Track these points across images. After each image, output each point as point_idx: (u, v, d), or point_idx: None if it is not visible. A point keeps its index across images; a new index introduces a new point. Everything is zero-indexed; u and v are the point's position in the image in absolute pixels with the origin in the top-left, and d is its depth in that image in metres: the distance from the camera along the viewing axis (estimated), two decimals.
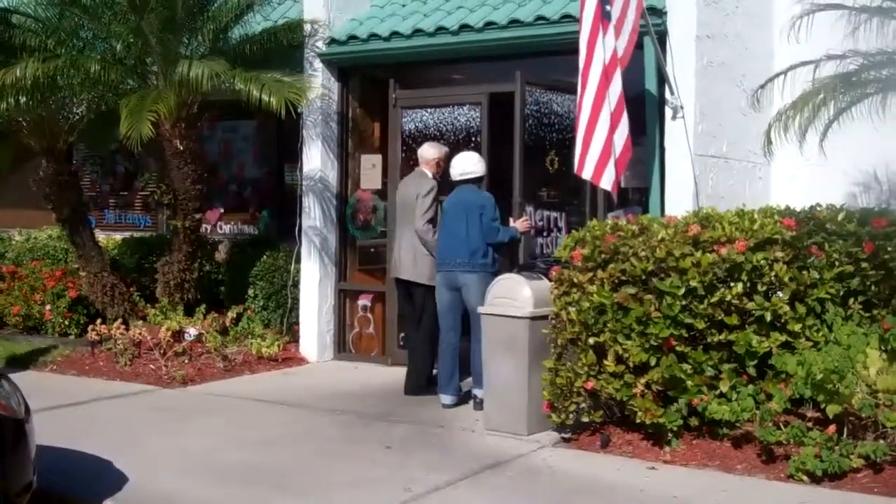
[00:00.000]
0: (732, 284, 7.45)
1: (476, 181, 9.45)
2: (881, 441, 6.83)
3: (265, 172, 14.25)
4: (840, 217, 7.75)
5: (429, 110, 11.28)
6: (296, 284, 12.03)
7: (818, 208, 8.04)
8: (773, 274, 7.45)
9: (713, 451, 7.50)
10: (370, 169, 11.99)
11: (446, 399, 9.38)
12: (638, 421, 7.67)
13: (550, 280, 8.25)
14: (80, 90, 11.60)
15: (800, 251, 7.59)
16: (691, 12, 9.53)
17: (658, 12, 9.60)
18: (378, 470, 7.44)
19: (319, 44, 11.68)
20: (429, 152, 10.01)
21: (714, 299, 7.42)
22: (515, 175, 9.86)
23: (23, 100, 11.08)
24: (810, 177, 9.82)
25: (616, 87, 8.71)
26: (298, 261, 11.99)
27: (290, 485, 7.14)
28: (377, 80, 11.93)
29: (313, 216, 11.85)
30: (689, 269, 7.44)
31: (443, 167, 9.87)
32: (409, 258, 9.84)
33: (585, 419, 8.02)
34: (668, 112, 9.57)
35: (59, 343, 12.34)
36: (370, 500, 6.88)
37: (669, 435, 7.61)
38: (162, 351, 11.02)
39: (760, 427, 7.12)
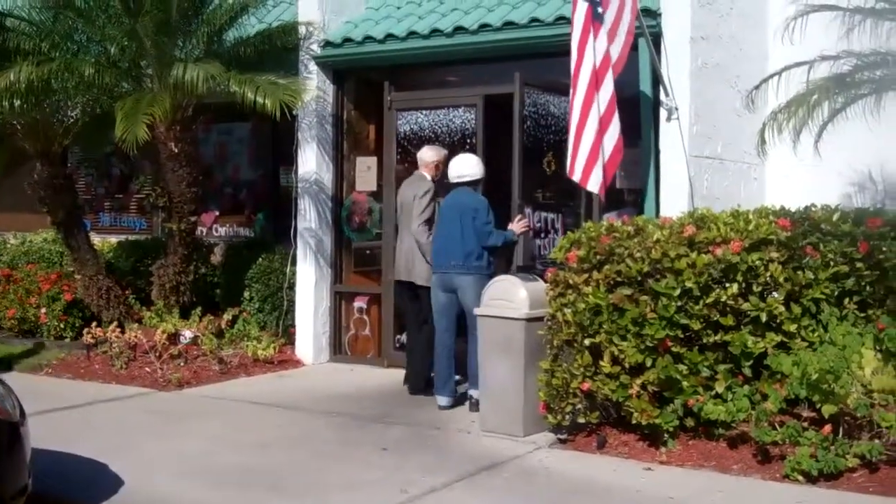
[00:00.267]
0: (728, 285, 7.46)
1: (472, 184, 9.46)
2: (876, 441, 6.83)
3: (260, 175, 14.25)
4: (835, 217, 7.76)
5: (424, 112, 11.29)
6: (291, 287, 12.03)
7: (813, 209, 8.05)
8: (768, 274, 7.46)
9: (709, 451, 7.51)
10: (365, 171, 11.99)
11: (442, 401, 9.39)
12: (634, 422, 7.67)
13: (546, 281, 8.26)
14: (75, 93, 11.58)
15: (795, 251, 7.60)
16: (686, 14, 9.54)
17: (652, 14, 9.61)
18: (374, 472, 7.44)
19: (314, 46, 11.68)
20: (428, 155, 10.03)
21: (709, 300, 7.43)
22: (514, 176, 9.87)
23: (17, 103, 11.06)
24: (805, 177, 9.83)
25: (607, 89, 8.73)
26: (294, 263, 11.99)
27: (286, 487, 7.14)
28: (372, 82, 11.94)
29: (309, 218, 11.85)
30: (685, 269, 7.44)
31: (442, 170, 9.89)
32: (409, 260, 9.87)
33: (582, 420, 8.02)
34: (663, 113, 9.57)
35: (55, 346, 12.33)
36: (366, 503, 6.88)
37: (665, 436, 7.61)
38: (157, 354, 11.01)
39: (756, 427, 7.12)
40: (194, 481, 7.27)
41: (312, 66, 11.73)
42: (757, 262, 7.46)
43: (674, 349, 7.51)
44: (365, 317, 11.93)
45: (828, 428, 6.91)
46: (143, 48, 11.27)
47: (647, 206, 9.65)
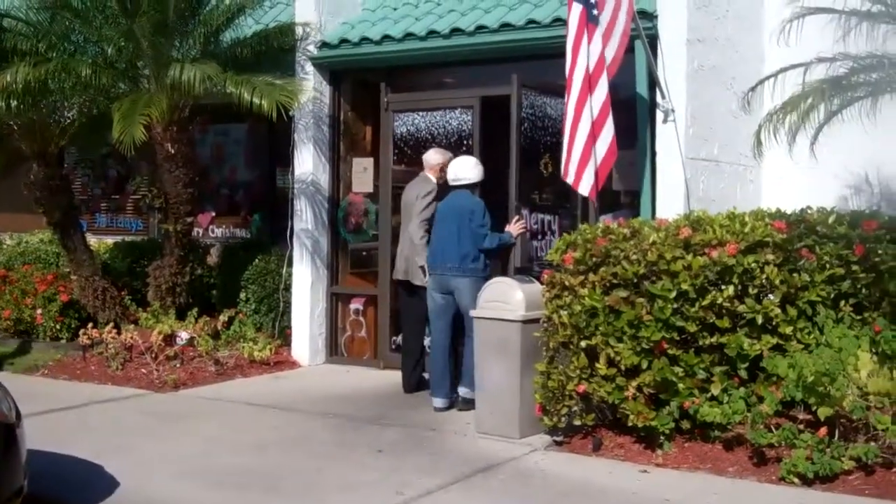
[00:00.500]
0: (724, 287, 7.47)
1: (470, 187, 9.47)
2: (872, 443, 6.84)
3: (257, 176, 14.25)
4: (831, 220, 7.78)
5: (420, 114, 11.29)
6: (288, 288, 12.03)
7: (809, 211, 8.06)
8: (764, 277, 7.47)
9: (705, 453, 7.52)
10: (362, 172, 11.99)
11: (438, 402, 9.39)
12: (630, 424, 7.68)
13: (542, 283, 8.26)
14: (72, 94, 11.57)
15: (791, 254, 7.61)
16: (682, 16, 9.54)
17: (649, 16, 9.61)
18: (370, 474, 7.44)
19: (311, 47, 11.68)
20: (433, 157, 10.04)
21: (705, 302, 7.44)
22: (511, 178, 9.86)
23: (14, 104, 11.06)
24: (801, 180, 9.83)
25: (601, 92, 8.72)
26: (290, 264, 11.98)
27: (282, 489, 7.14)
28: (369, 83, 11.94)
29: (305, 220, 11.85)
30: (681, 272, 7.45)
31: (447, 172, 9.90)
32: (408, 260, 9.89)
33: (577, 422, 8.02)
34: (659, 115, 9.57)
35: (51, 347, 12.33)
36: None
37: (661, 438, 7.62)
38: (153, 355, 11.01)
39: (752, 429, 7.13)
40: (191, 482, 7.26)
41: (309, 68, 11.73)
42: (753, 265, 7.47)
43: (670, 351, 7.52)
44: (361, 318, 11.93)
45: (823, 430, 6.92)
46: (140, 49, 11.27)
47: (644, 209, 9.65)
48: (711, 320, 7.47)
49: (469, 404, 9.09)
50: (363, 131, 12.34)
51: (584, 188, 8.85)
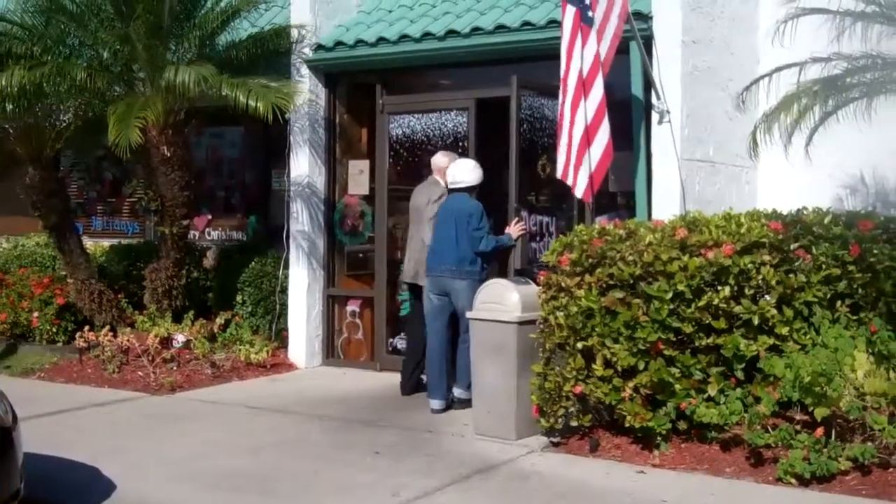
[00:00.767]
0: (720, 288, 7.47)
1: (468, 190, 9.48)
2: (869, 443, 6.84)
3: (253, 178, 14.23)
4: (826, 220, 7.77)
5: (416, 116, 11.31)
6: (284, 290, 12.02)
7: (805, 211, 8.05)
8: (760, 277, 7.47)
9: (702, 454, 7.52)
10: (358, 174, 11.99)
11: (435, 404, 9.40)
12: (627, 425, 7.68)
13: (538, 284, 8.26)
14: (67, 97, 11.59)
15: (787, 254, 7.61)
16: (677, 17, 9.54)
17: (644, 17, 9.61)
18: (367, 475, 7.44)
19: (306, 50, 11.69)
20: (441, 161, 10.02)
21: (701, 303, 7.44)
22: (511, 180, 9.87)
23: (9, 107, 11.07)
24: (797, 180, 9.83)
25: (597, 93, 8.73)
26: (286, 267, 11.98)
27: (278, 491, 7.14)
28: (364, 85, 11.94)
29: (301, 222, 11.85)
30: (677, 273, 7.45)
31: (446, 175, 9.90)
32: (417, 263, 9.88)
33: (574, 423, 8.02)
34: (655, 116, 9.57)
35: (47, 350, 12.33)
36: None
37: (658, 439, 7.62)
38: (150, 358, 11.01)
39: (749, 430, 7.13)
40: (187, 485, 7.26)
41: (304, 70, 11.73)
42: (749, 265, 7.47)
43: (666, 352, 7.52)
44: (357, 320, 11.93)
45: (820, 431, 6.93)
46: (136, 52, 11.27)
47: (639, 210, 9.65)
48: (708, 321, 7.47)
49: (464, 404, 9.13)
50: (359, 133, 12.34)
51: (580, 190, 8.87)
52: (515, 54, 10.48)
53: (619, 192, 10.57)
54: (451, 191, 9.55)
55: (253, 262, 12.54)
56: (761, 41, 10.19)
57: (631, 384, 7.60)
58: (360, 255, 12.16)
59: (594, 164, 8.79)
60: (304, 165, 11.82)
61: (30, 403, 8.69)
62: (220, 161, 14.44)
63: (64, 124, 12.32)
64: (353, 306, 11.97)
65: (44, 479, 6.92)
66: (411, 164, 11.58)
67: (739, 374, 7.50)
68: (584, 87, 8.69)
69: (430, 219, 9.78)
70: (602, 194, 10.11)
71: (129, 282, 13.04)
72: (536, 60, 10.39)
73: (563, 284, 7.93)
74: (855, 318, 7.59)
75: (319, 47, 11.67)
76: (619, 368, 7.63)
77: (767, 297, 7.50)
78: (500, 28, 10.47)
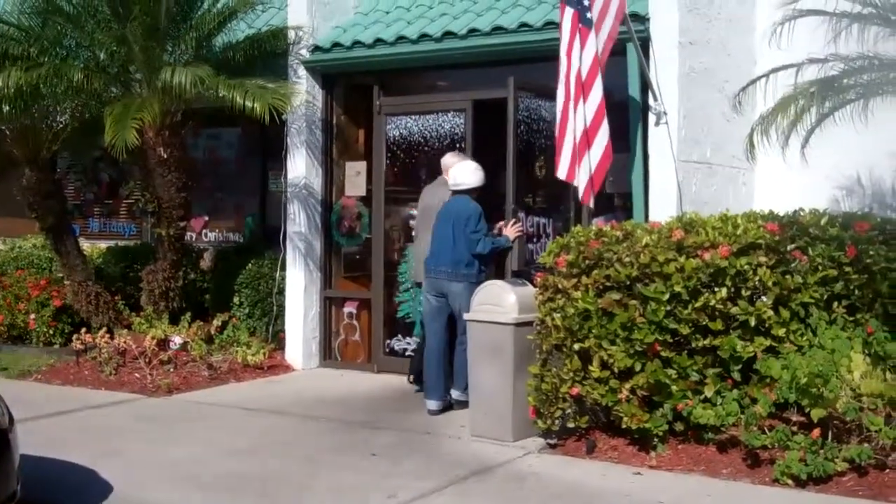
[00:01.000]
0: (716, 289, 7.47)
1: (469, 191, 9.48)
2: (865, 444, 6.84)
3: (249, 180, 14.21)
4: (823, 221, 7.77)
5: (413, 117, 11.32)
6: (281, 292, 12.02)
7: (801, 213, 8.05)
8: (756, 279, 7.48)
9: (698, 455, 7.52)
10: (355, 176, 11.99)
11: (432, 405, 9.40)
12: (623, 426, 7.68)
13: (535, 286, 8.27)
14: (64, 99, 11.59)
15: (783, 256, 7.61)
16: (674, 18, 9.55)
17: (640, 19, 9.61)
18: (363, 477, 7.44)
19: (303, 51, 11.69)
20: (451, 161, 10.01)
21: (698, 304, 7.44)
22: (508, 181, 9.87)
23: (6, 109, 11.07)
24: (793, 181, 9.83)
25: (596, 95, 8.73)
26: (283, 268, 11.98)
27: (275, 492, 7.14)
28: (361, 87, 11.94)
29: (298, 223, 11.85)
30: (673, 274, 7.45)
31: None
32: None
33: (571, 425, 8.03)
34: (652, 118, 9.58)
35: (44, 352, 12.32)
36: None
37: (655, 440, 7.62)
38: (147, 359, 11.00)
39: (745, 431, 7.13)
40: (184, 487, 7.26)
41: (302, 71, 11.73)
42: (745, 267, 7.47)
43: (663, 353, 7.52)
44: (355, 322, 11.93)
45: (817, 432, 6.93)
46: (132, 53, 11.27)
47: (636, 211, 9.65)
48: (704, 322, 7.47)
49: (462, 406, 9.14)
50: (356, 135, 12.35)
51: (580, 191, 8.88)
52: (513, 56, 10.48)
53: (616, 193, 10.57)
54: (452, 192, 9.56)
55: (250, 264, 12.54)
56: (758, 42, 10.20)
57: (628, 385, 7.61)
58: (357, 256, 12.17)
59: (594, 166, 8.79)
60: (300, 167, 11.82)
61: (26, 405, 8.68)
62: (216, 162, 14.44)
63: (61, 126, 12.33)
64: (350, 308, 11.97)
65: (41, 481, 6.92)
66: (408, 165, 11.59)
67: (736, 376, 7.50)
68: (583, 88, 8.69)
69: None
70: (599, 196, 10.10)
71: (125, 283, 13.03)
72: (534, 62, 10.40)
73: (559, 286, 7.93)
74: (851, 319, 7.58)
75: (316, 48, 11.67)
76: (616, 370, 7.63)
77: (764, 299, 7.51)
78: (497, 29, 10.48)
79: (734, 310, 7.46)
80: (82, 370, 11.38)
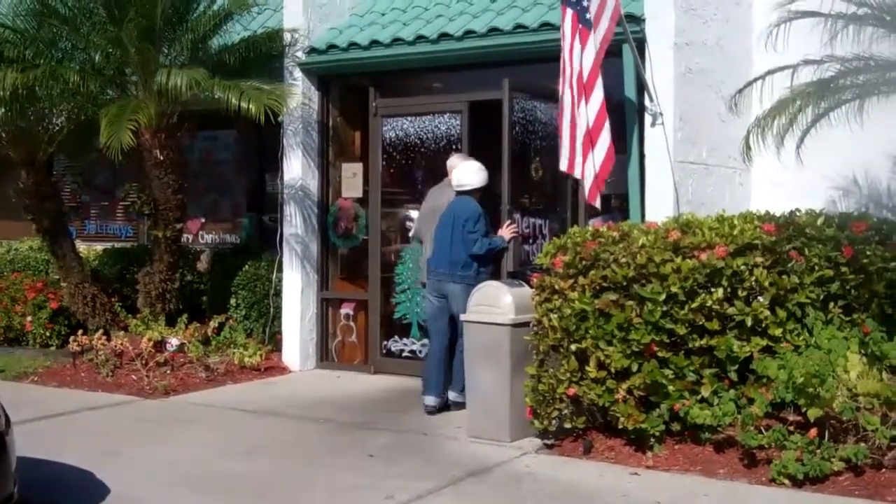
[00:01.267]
0: (713, 290, 7.47)
1: (472, 192, 9.49)
2: (862, 444, 6.85)
3: (246, 182, 14.24)
4: (819, 222, 7.78)
5: (409, 119, 11.32)
6: (278, 293, 12.02)
7: (798, 213, 8.06)
8: (753, 279, 7.48)
9: (695, 455, 7.53)
10: (351, 177, 11.99)
11: (429, 400, 9.44)
12: (620, 426, 7.68)
13: (532, 287, 8.27)
14: (60, 101, 11.58)
15: (780, 256, 7.61)
16: (670, 19, 9.55)
17: (636, 19, 9.62)
18: (361, 478, 7.43)
19: (299, 53, 11.69)
20: (455, 162, 10.00)
21: (695, 305, 7.45)
22: (503, 182, 9.88)
23: (1, 111, 11.09)
24: (790, 182, 9.85)
25: (597, 96, 8.73)
26: (280, 270, 11.98)
27: (272, 494, 7.14)
28: (357, 88, 11.95)
29: (295, 225, 11.85)
30: (670, 274, 7.46)
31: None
32: None
33: (568, 425, 8.03)
34: (648, 119, 9.58)
35: (41, 354, 12.31)
36: None
37: (652, 440, 7.63)
38: (144, 361, 10.99)
39: (742, 431, 7.14)
40: (181, 489, 7.25)
41: (297, 73, 11.73)
42: (742, 267, 7.48)
43: (660, 354, 7.52)
44: (352, 323, 11.93)
45: (813, 432, 6.94)
46: (128, 55, 11.26)
47: (633, 212, 9.65)
48: (701, 323, 7.48)
49: (459, 407, 9.16)
50: (352, 136, 12.35)
51: (586, 190, 8.88)
52: (508, 57, 10.49)
53: (613, 194, 10.58)
54: (456, 193, 9.58)
55: (246, 266, 12.54)
56: (754, 43, 10.22)
57: (624, 386, 7.61)
58: (354, 257, 12.17)
59: (598, 166, 8.80)
60: (297, 168, 11.82)
61: (23, 407, 8.68)
62: (213, 164, 14.44)
63: (57, 128, 12.32)
64: (346, 309, 11.97)
65: (37, 483, 6.91)
66: (405, 167, 11.60)
67: (733, 376, 7.51)
68: (584, 89, 8.69)
69: None
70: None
71: (122, 285, 13.03)
72: (530, 63, 10.43)
73: (556, 286, 7.93)
74: (848, 319, 7.60)
75: (312, 50, 11.67)
76: (613, 370, 7.63)
77: (760, 299, 7.51)
78: (493, 31, 10.48)
79: (731, 310, 7.47)
80: (79, 372, 11.37)
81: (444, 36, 10.78)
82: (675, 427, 7.58)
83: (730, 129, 9.95)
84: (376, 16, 11.84)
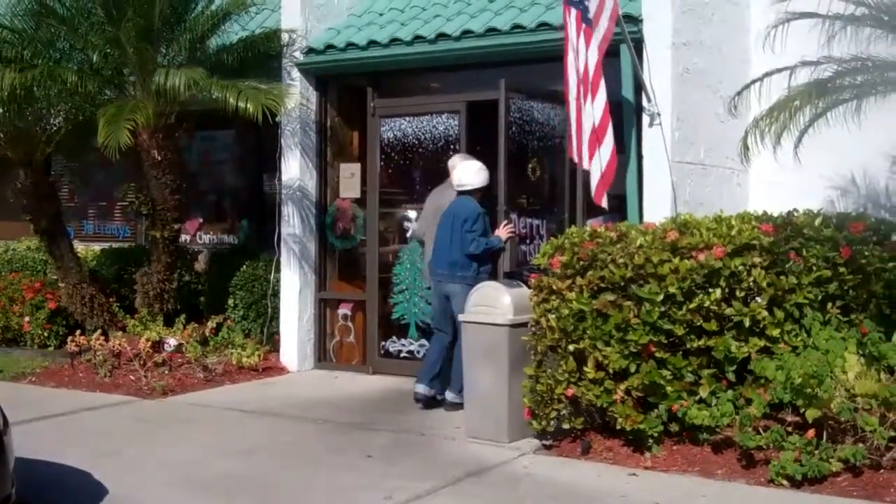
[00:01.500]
0: (711, 290, 7.47)
1: (473, 192, 9.51)
2: (860, 444, 6.85)
3: (244, 182, 14.23)
4: (817, 222, 7.78)
5: (407, 119, 11.31)
6: (276, 294, 12.01)
7: (795, 214, 8.06)
8: (751, 279, 7.48)
9: (693, 456, 7.53)
10: (349, 178, 11.99)
11: (419, 388, 9.55)
12: (618, 427, 7.68)
13: (530, 287, 8.27)
14: (58, 101, 11.58)
15: (777, 256, 7.61)
16: (667, 20, 9.56)
17: (634, 20, 9.62)
18: (359, 479, 7.43)
19: (297, 53, 11.69)
20: (456, 162, 10.00)
21: (693, 305, 7.45)
22: (500, 183, 9.88)
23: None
24: (788, 182, 9.86)
25: (602, 96, 8.76)
26: (278, 270, 11.98)
27: (271, 494, 7.14)
28: (355, 88, 11.94)
29: (292, 225, 11.84)
30: (668, 275, 7.46)
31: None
32: None
33: (566, 426, 8.03)
34: (645, 119, 9.59)
35: (39, 354, 12.31)
36: None
37: (650, 441, 7.63)
38: (142, 362, 10.99)
39: (740, 432, 7.14)
40: (179, 489, 7.25)
41: (295, 73, 11.73)
42: (740, 268, 7.48)
43: (658, 354, 7.52)
44: (349, 324, 11.92)
45: (812, 432, 6.94)
46: (126, 55, 11.25)
47: (631, 212, 9.66)
48: (699, 323, 7.48)
49: (457, 408, 9.16)
50: (350, 137, 12.34)
51: (592, 190, 8.90)
52: (506, 57, 10.49)
53: (611, 194, 10.57)
54: (457, 193, 9.59)
55: (244, 266, 12.54)
56: (752, 43, 10.23)
57: (622, 386, 7.61)
58: (352, 258, 12.17)
59: (604, 165, 8.82)
60: (295, 169, 11.82)
61: (21, 408, 8.68)
62: (211, 165, 14.44)
63: (55, 128, 12.31)
64: (344, 309, 11.96)
65: (35, 483, 6.91)
66: (403, 167, 11.59)
67: (731, 376, 7.51)
68: (590, 87, 8.71)
69: None
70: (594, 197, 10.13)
71: (120, 286, 13.02)
72: (528, 63, 10.44)
73: (554, 287, 7.93)
74: (846, 319, 7.60)
75: (310, 50, 11.67)
76: (611, 371, 7.63)
77: (758, 300, 7.52)
78: (491, 31, 10.48)
79: (729, 311, 7.47)
80: (77, 372, 11.36)
81: (442, 36, 10.78)
82: (674, 428, 7.59)
83: (728, 129, 9.95)
84: (374, 16, 11.83)
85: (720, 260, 7.45)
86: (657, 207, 9.37)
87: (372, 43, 11.25)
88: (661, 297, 7.44)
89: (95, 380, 11.04)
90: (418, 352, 11.06)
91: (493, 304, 8.38)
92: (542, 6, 10.37)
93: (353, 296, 12.02)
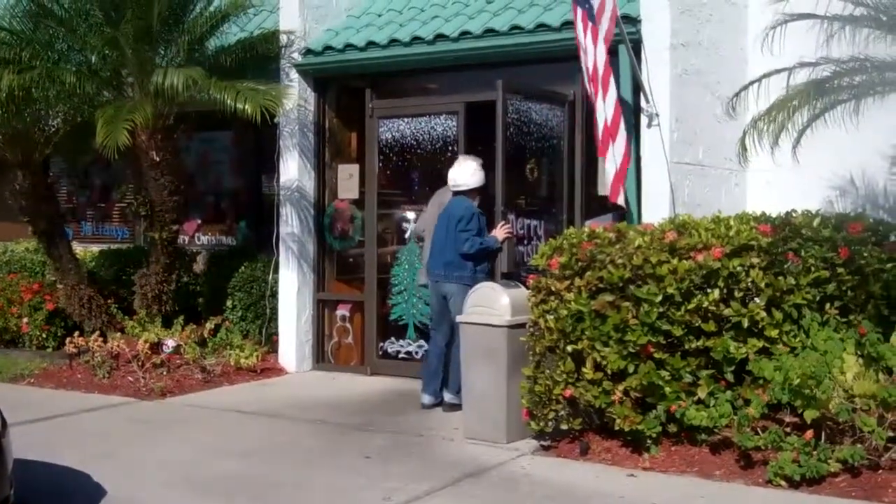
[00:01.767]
0: (709, 291, 7.48)
1: (469, 192, 9.51)
2: (858, 445, 6.86)
3: (242, 183, 14.23)
4: (815, 222, 7.78)
5: (405, 120, 11.31)
6: (274, 295, 12.01)
7: (794, 214, 8.06)
8: (749, 280, 7.49)
9: (692, 457, 7.53)
10: (347, 179, 11.99)
11: (425, 398, 9.55)
12: (617, 428, 7.68)
13: (528, 288, 8.27)
14: (56, 102, 11.56)
15: (776, 257, 7.62)
16: (665, 20, 9.55)
17: (632, 20, 9.61)
18: (358, 480, 7.44)
19: (295, 54, 11.69)
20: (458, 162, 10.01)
21: (691, 306, 7.45)
22: (497, 183, 9.88)
23: None
24: (786, 183, 9.86)
25: (612, 93, 8.82)
26: (276, 271, 11.98)
27: (269, 495, 7.14)
28: (354, 90, 11.94)
29: (291, 226, 11.84)
30: (666, 276, 7.46)
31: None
32: None
33: (564, 427, 8.03)
34: (644, 120, 9.58)
35: (37, 356, 12.30)
36: None
37: (648, 441, 7.63)
38: (140, 363, 10.99)
39: (738, 433, 7.14)
40: (178, 490, 7.25)
41: (294, 74, 11.73)
42: (738, 268, 7.48)
43: (656, 355, 7.52)
44: (348, 325, 11.92)
45: (810, 433, 6.94)
46: (124, 56, 11.25)
47: (629, 213, 9.65)
48: (697, 324, 7.48)
49: (455, 408, 9.16)
50: (348, 138, 12.34)
51: (606, 189, 8.97)
52: (504, 58, 10.49)
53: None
54: (453, 193, 9.59)
55: (243, 267, 12.53)
56: (750, 44, 10.21)
57: (621, 387, 7.61)
58: (351, 259, 12.17)
59: (618, 162, 8.86)
60: (293, 170, 11.81)
61: (19, 409, 8.67)
62: (209, 166, 14.44)
63: (53, 129, 12.31)
64: (343, 310, 11.96)
65: (34, 485, 6.91)
66: (401, 168, 11.59)
67: (729, 377, 7.51)
68: (601, 85, 8.76)
69: None
70: (592, 198, 10.15)
71: (118, 287, 13.01)
72: (526, 64, 10.44)
73: (552, 288, 7.93)
74: (844, 320, 7.60)
75: (309, 52, 11.67)
76: (609, 371, 7.63)
77: (757, 300, 7.52)
78: (489, 32, 10.49)
79: (727, 311, 7.47)
80: (75, 374, 11.36)
81: (441, 37, 10.79)
82: (672, 428, 7.58)
83: (726, 129, 9.95)
84: (372, 17, 11.83)
85: (718, 260, 7.45)
86: (656, 208, 9.37)
87: (370, 44, 11.25)
88: (659, 298, 7.44)
89: (94, 381, 11.03)
90: (417, 353, 11.06)
91: (492, 304, 8.38)
92: (541, 7, 10.38)
93: (351, 297, 12.02)
